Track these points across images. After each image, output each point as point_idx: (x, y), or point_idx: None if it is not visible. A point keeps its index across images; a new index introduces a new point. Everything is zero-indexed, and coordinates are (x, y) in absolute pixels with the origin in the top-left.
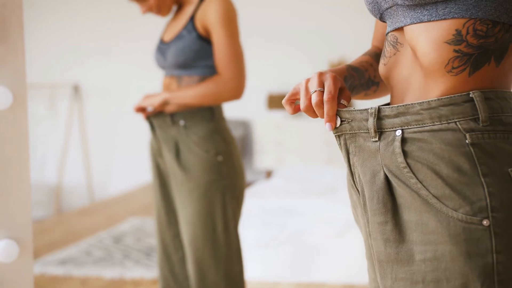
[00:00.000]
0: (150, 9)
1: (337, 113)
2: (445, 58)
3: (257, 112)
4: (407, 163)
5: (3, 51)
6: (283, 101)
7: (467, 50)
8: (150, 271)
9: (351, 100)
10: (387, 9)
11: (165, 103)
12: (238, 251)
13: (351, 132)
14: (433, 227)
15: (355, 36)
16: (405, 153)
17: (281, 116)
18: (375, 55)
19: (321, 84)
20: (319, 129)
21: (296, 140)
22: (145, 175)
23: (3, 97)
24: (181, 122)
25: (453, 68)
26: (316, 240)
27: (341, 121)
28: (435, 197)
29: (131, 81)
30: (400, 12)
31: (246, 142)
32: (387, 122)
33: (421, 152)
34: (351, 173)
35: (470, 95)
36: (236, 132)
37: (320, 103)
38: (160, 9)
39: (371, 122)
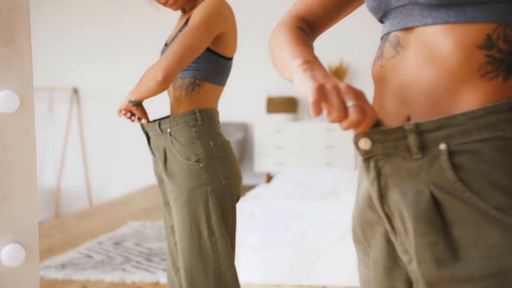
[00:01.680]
0: None
1: (366, 135)
2: (477, 63)
3: (257, 115)
4: (459, 177)
5: (10, 54)
6: (312, 101)
7: (499, 55)
8: (151, 275)
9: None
10: (397, 7)
11: (129, 101)
12: (228, 257)
13: (385, 152)
14: (497, 240)
15: (354, 39)
16: (454, 167)
17: (281, 119)
18: (307, 34)
19: (356, 97)
20: (319, 132)
21: (296, 143)
22: (144, 178)
23: (9, 101)
24: (168, 130)
25: (487, 72)
26: (318, 243)
27: (372, 142)
28: (496, 208)
29: (130, 84)
30: (416, 11)
31: (246, 145)
32: (429, 137)
33: (473, 164)
34: (380, 196)
35: None
36: (236, 136)
37: (362, 120)
38: (176, 1)
39: (412, 139)
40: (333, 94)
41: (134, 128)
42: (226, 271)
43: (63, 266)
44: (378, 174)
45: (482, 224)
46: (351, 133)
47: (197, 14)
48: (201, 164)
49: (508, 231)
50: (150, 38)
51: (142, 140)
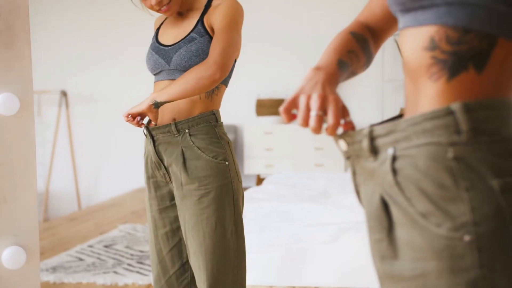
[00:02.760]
0: (160, 3)
1: (342, 137)
2: (424, 64)
3: (246, 117)
4: (397, 181)
5: (10, 57)
6: (281, 109)
7: (442, 56)
8: (143, 278)
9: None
10: (395, 12)
11: (153, 103)
12: (244, 255)
13: (354, 153)
14: (420, 244)
15: None
16: (395, 171)
17: (271, 122)
18: (361, 38)
19: (323, 107)
20: (309, 134)
21: (285, 145)
22: (133, 182)
23: (10, 103)
24: (186, 130)
25: (433, 74)
26: (310, 244)
27: (347, 144)
28: (420, 214)
29: (119, 87)
30: (399, 16)
31: (236, 147)
32: (380, 142)
33: (409, 169)
34: (357, 192)
35: (452, 108)
36: None
37: (318, 129)
38: (170, 7)
39: (365, 144)
40: (303, 104)
41: (123, 131)
42: (242, 270)
43: (54, 269)
44: (354, 173)
45: (411, 228)
46: None
47: (223, 14)
48: (227, 163)
49: (429, 237)
50: (139, 43)
51: (131, 144)
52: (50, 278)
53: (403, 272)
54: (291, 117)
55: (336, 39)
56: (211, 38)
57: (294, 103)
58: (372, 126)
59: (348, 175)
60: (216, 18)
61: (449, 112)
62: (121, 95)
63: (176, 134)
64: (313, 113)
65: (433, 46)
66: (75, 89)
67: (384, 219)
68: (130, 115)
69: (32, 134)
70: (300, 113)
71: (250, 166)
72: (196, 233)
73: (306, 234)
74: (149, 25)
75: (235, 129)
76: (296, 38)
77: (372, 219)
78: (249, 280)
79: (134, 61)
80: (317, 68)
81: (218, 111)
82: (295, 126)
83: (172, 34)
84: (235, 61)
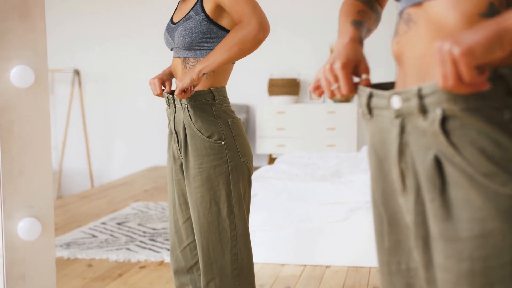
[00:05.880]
0: None
1: (397, 93)
2: None
3: (258, 97)
4: (451, 141)
5: (24, 30)
6: (310, 89)
7: None
8: (156, 255)
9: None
10: None
11: (202, 75)
12: (245, 235)
13: (407, 111)
14: (481, 204)
15: None
16: (447, 132)
17: (283, 101)
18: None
19: (336, 79)
20: (321, 113)
21: (297, 125)
22: (145, 161)
23: (25, 76)
24: (187, 107)
25: None
26: (322, 223)
27: (402, 101)
28: (482, 174)
29: (131, 67)
30: None
31: (248, 127)
32: (428, 101)
33: (464, 130)
34: (400, 152)
35: (501, 71)
36: None
37: (341, 97)
38: None
39: (414, 102)
40: (323, 80)
41: (135, 110)
42: (242, 249)
43: (68, 245)
44: (402, 131)
45: (470, 188)
46: (352, 116)
47: None
48: (223, 142)
49: (491, 196)
50: (151, 23)
51: (143, 123)
52: (64, 253)
53: (459, 232)
54: (321, 92)
55: (343, 7)
56: (206, 16)
57: (318, 82)
58: (419, 85)
59: (360, 154)
60: None
61: (499, 75)
62: (134, 75)
63: (182, 110)
64: (334, 87)
65: (492, 11)
66: (87, 68)
67: (437, 179)
68: (161, 82)
69: (46, 106)
70: (325, 88)
71: (262, 146)
72: (193, 211)
73: (318, 213)
74: (161, 5)
75: (247, 109)
76: (307, 18)
77: (424, 178)
78: (260, 258)
79: (147, 40)
80: (338, 39)
81: (219, 89)
82: (307, 106)
83: (180, 12)
84: None
